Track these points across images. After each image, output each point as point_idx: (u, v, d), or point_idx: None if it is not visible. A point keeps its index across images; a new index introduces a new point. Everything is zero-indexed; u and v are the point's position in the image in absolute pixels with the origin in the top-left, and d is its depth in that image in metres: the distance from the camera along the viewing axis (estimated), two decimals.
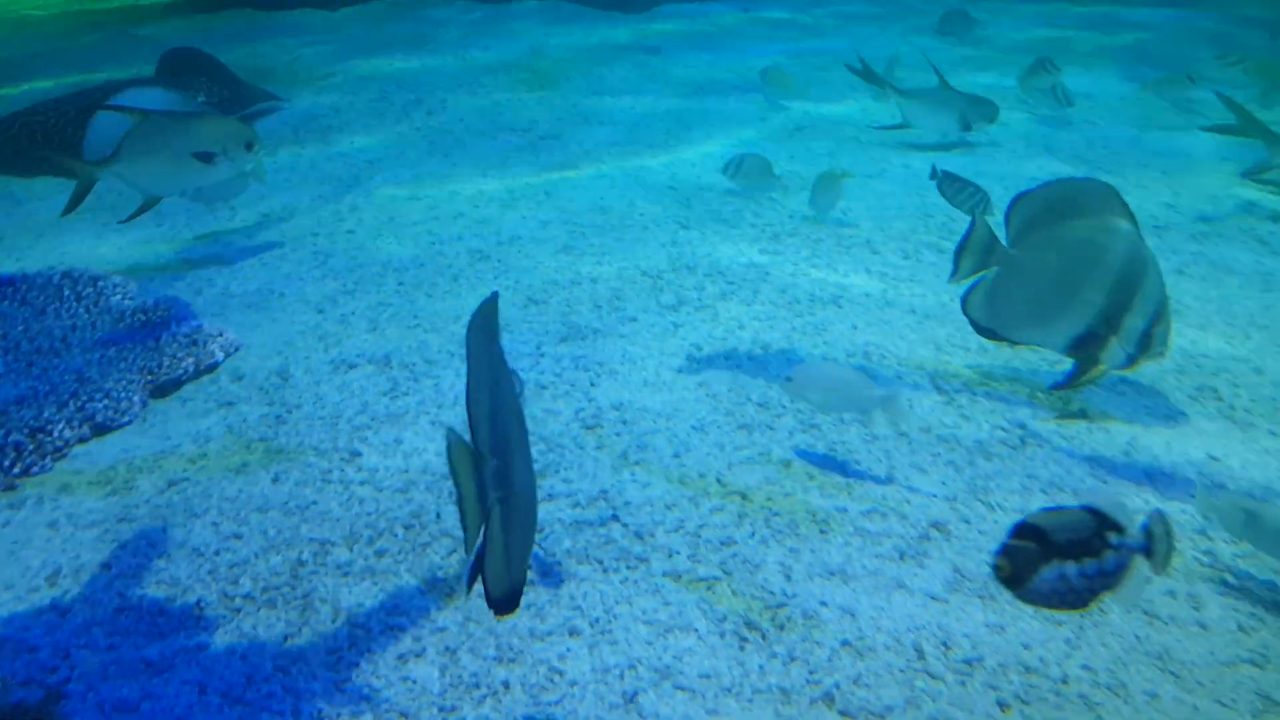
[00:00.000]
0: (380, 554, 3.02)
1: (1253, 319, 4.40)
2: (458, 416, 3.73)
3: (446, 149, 6.63)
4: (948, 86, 6.74)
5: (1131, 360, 3.22)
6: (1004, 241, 3.50)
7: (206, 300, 4.67)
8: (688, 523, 3.18)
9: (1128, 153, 6.65)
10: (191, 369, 3.93)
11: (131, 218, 4.79)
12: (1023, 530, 2.08)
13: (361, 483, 3.33)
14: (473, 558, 2.07)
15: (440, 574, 2.95)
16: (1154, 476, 3.38)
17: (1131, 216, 3.15)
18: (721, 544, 3.09)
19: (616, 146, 6.70)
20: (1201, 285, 4.72)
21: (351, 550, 3.04)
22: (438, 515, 3.19)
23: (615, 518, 3.20)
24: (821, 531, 3.16)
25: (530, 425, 3.67)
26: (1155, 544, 2.10)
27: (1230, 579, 2.94)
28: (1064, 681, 2.58)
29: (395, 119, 7.32)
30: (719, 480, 3.39)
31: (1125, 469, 3.43)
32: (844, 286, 4.75)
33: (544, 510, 3.23)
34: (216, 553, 3.04)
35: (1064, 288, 3.26)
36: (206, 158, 4.43)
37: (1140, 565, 2.09)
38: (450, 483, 3.37)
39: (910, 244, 5.20)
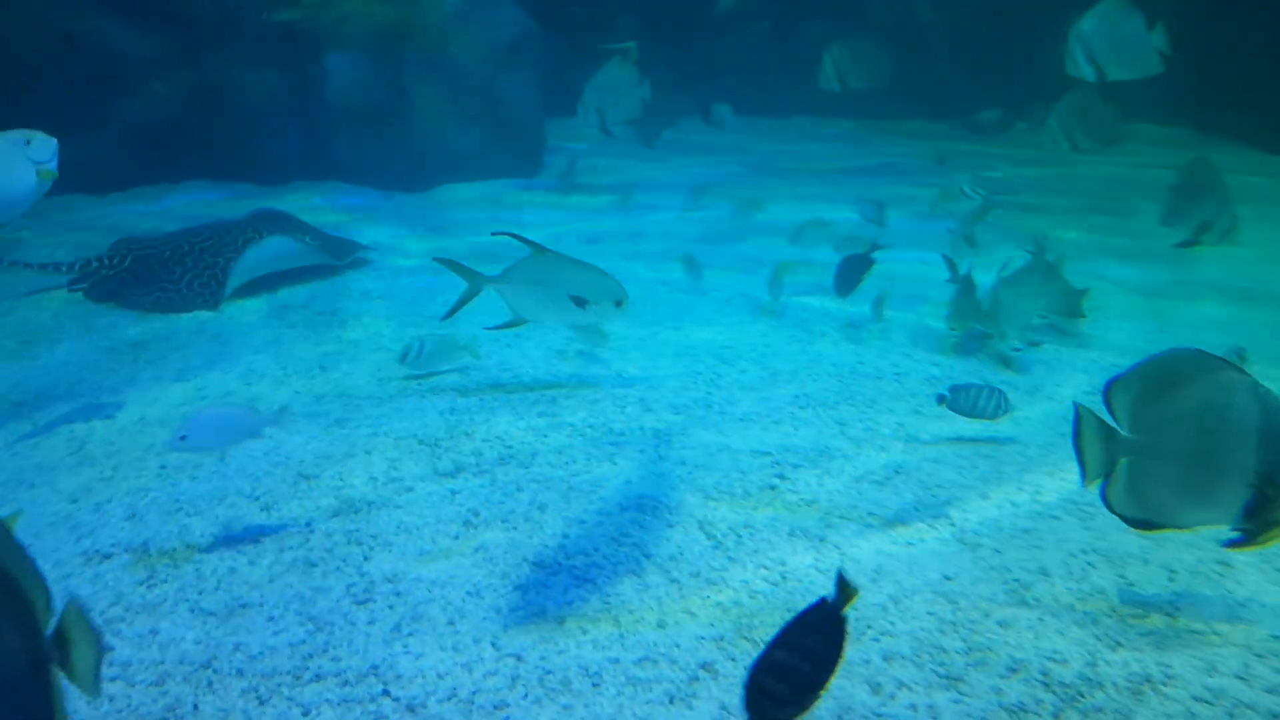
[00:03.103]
0: None
1: (979, 449, 4.87)
2: (219, 601, 3.62)
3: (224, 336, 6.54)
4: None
5: None
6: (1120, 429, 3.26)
7: None
8: (460, 690, 3.18)
9: None
10: None
11: (499, 328, 5.20)
12: None
13: (112, 679, 3.16)
14: None
15: None
16: (897, 600, 3.64)
17: (1236, 365, 3.00)
18: (494, 708, 3.10)
19: (394, 319, 6.79)
20: (938, 424, 5.18)
21: None
22: (195, 707, 3.06)
23: (386, 692, 3.16)
24: (594, 685, 3.22)
25: (298, 606, 3.61)
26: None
27: (964, 687, 3.18)
28: None
29: None
30: (494, 644, 3.42)
31: (871, 589, 3.68)
32: (620, 444, 4.94)
33: (311, 691, 3.16)
34: None
35: (1209, 460, 2.99)
36: (580, 302, 4.83)
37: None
38: (207, 672, 3.26)
39: (682, 399, 5.47)
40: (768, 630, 3.47)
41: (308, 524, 4.16)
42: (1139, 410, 3.11)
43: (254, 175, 10.31)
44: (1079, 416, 3.22)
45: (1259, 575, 3.82)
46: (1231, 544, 3.14)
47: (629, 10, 13.36)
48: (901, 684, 3.20)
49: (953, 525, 4.15)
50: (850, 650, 3.35)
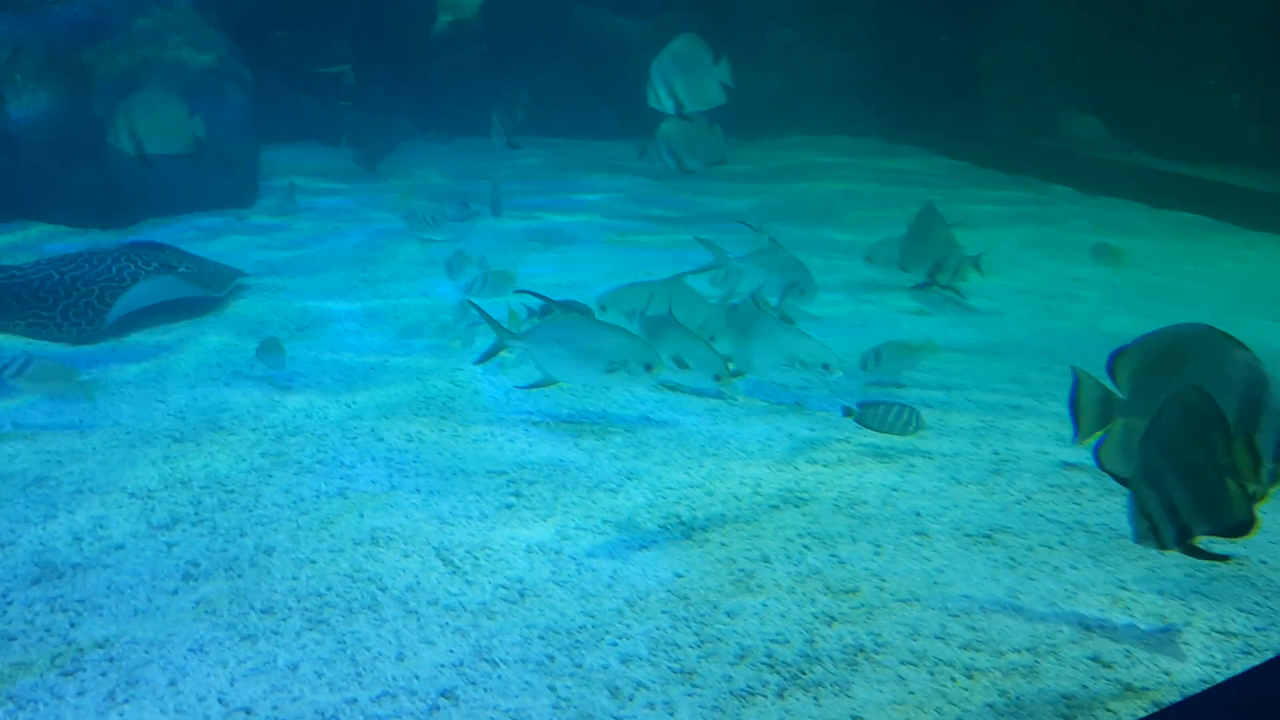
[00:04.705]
0: None
1: (704, 449, 5.11)
2: None
3: None
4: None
5: (1274, 477, 3.03)
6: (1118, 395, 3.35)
7: None
8: None
9: None
10: None
11: (531, 388, 5.43)
12: None
13: None
14: None
15: None
16: (632, 602, 3.76)
17: (1241, 344, 3.07)
18: None
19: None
20: (665, 430, 5.39)
21: None
22: None
23: None
24: None
25: None
26: None
27: (697, 679, 3.33)
28: None
29: None
30: (221, 700, 3.24)
31: (607, 595, 3.78)
32: (351, 477, 4.81)
33: None
34: None
35: None
36: (613, 365, 4.81)
37: None
38: None
39: (414, 426, 5.40)
40: (507, 650, 3.49)
41: (4, 595, 3.79)
42: (1140, 377, 3.24)
43: None
44: (1078, 379, 3.34)
45: (952, 543, 4.21)
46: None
47: (342, 34, 13.05)
48: (640, 684, 3.31)
49: (682, 524, 4.33)
50: (588, 658, 3.43)
